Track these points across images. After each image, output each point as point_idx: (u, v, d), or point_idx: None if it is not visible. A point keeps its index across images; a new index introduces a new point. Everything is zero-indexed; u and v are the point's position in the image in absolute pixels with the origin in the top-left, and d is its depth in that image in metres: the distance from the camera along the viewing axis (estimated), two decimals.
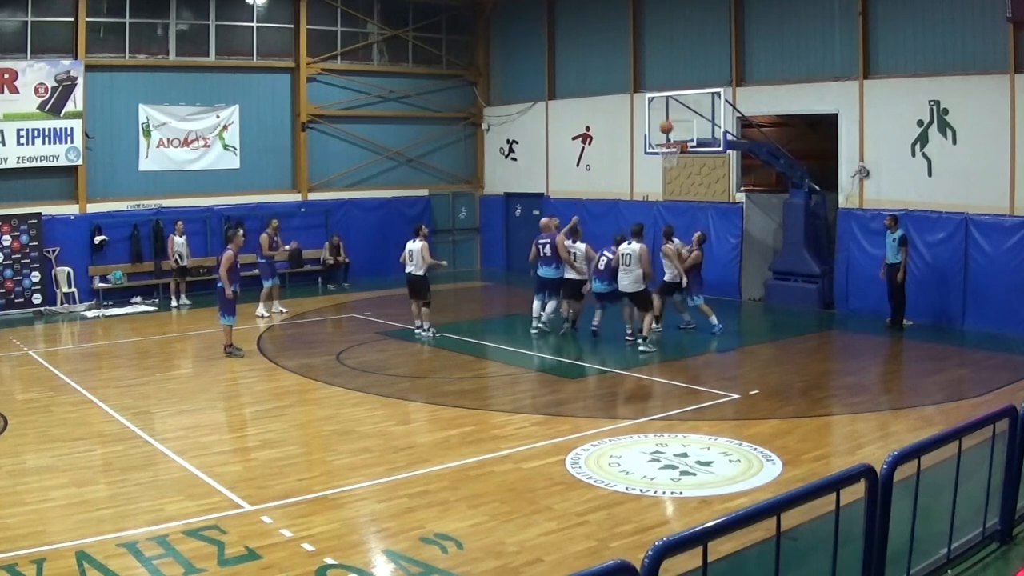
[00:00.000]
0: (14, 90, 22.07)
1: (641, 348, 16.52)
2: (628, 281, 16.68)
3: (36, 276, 22.16)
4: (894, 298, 18.32)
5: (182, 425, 12.37)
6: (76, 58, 22.87)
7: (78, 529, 8.51)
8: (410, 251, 18.43)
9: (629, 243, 16.83)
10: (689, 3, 23.80)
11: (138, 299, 23.23)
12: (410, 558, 7.82)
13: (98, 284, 23.27)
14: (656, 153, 21.15)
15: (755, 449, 10.67)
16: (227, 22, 25.50)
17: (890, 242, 18.24)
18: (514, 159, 28.99)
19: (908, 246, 18.23)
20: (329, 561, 7.77)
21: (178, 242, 22.98)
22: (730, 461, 10.31)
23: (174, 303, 22.82)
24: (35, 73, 22.27)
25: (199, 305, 22.43)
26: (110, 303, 22.88)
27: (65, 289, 22.80)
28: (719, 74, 22.50)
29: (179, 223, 23.29)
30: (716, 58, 22.98)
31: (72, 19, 22.88)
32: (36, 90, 22.29)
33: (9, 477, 10.12)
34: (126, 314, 21.73)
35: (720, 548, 6.73)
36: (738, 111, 21.79)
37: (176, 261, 22.92)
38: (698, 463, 10.23)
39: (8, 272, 21.93)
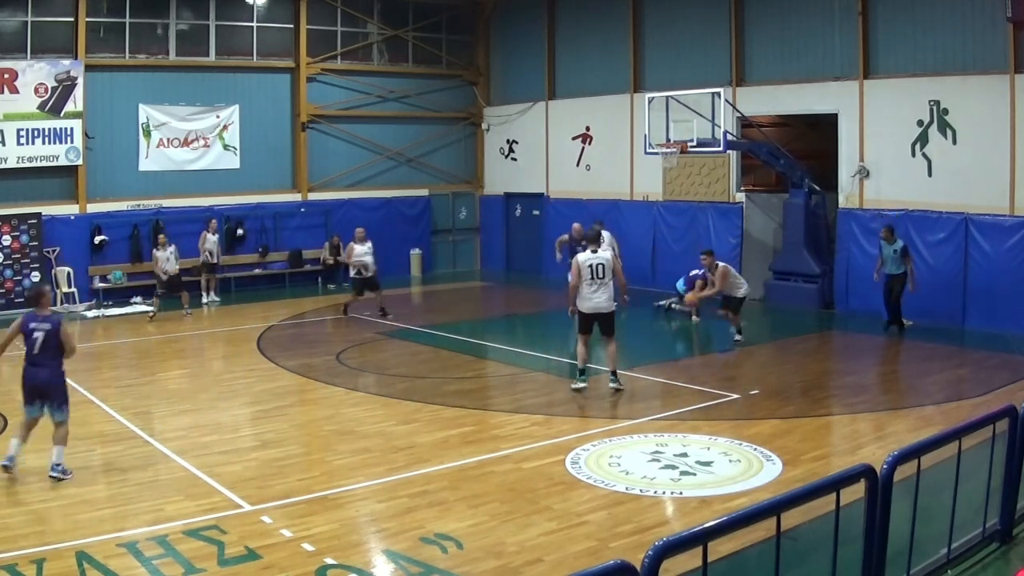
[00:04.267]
0: (14, 90, 22.09)
1: (614, 386, 13.72)
2: (605, 298, 13.56)
3: (36, 276, 22.15)
4: (895, 305, 18.02)
5: (182, 425, 12.39)
6: (76, 58, 22.88)
7: (78, 529, 8.52)
8: None
9: (595, 250, 13.63)
10: (689, 3, 23.80)
11: (138, 299, 23.22)
12: (410, 558, 7.82)
13: (98, 284, 23.28)
14: (656, 153, 21.18)
15: (755, 449, 10.66)
16: (227, 22, 25.51)
17: (891, 254, 17.79)
18: (514, 159, 28.99)
19: (911, 259, 17.94)
20: (329, 561, 7.77)
21: (210, 239, 23.13)
22: (730, 461, 10.31)
23: (204, 299, 23.28)
24: (35, 73, 22.28)
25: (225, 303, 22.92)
26: (110, 303, 22.88)
27: (65, 289, 22.80)
28: (719, 74, 22.50)
29: (212, 221, 23.46)
30: (716, 58, 22.98)
31: (72, 19, 22.89)
32: (36, 90, 22.30)
33: (9, 477, 10.13)
34: (126, 314, 21.74)
35: (720, 548, 6.73)
36: (738, 111, 21.79)
37: (208, 258, 23.17)
38: (698, 463, 10.23)
39: (8, 272, 21.94)
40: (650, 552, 4.40)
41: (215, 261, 23.38)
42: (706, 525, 4.87)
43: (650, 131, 20.89)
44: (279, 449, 11.23)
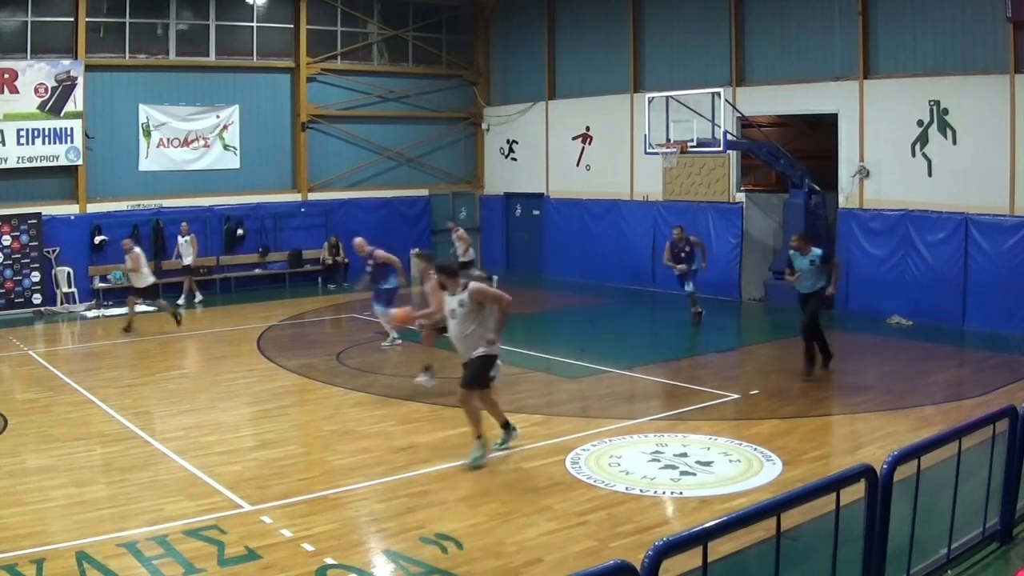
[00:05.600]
0: (14, 90, 22.09)
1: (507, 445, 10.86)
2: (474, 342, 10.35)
3: (36, 276, 22.17)
4: (814, 333, 14.65)
5: (182, 425, 12.38)
6: (76, 58, 22.88)
7: (78, 529, 8.52)
8: None
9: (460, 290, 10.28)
10: (689, 3, 23.79)
11: (138, 300, 23.22)
12: (410, 558, 7.82)
13: (98, 284, 23.28)
14: (656, 153, 21.18)
15: (755, 449, 10.66)
16: (227, 22, 25.51)
17: (806, 266, 14.49)
18: (514, 159, 28.99)
19: (837, 266, 15.20)
20: (329, 561, 7.76)
21: (180, 242, 23.18)
22: (730, 461, 10.31)
23: (179, 302, 23.10)
24: (35, 73, 22.28)
25: (207, 304, 22.89)
26: (110, 303, 22.88)
27: (65, 289, 22.80)
28: (719, 74, 22.50)
29: (183, 223, 23.41)
30: (716, 58, 22.97)
31: (72, 19, 22.90)
32: (36, 90, 22.30)
33: (9, 477, 10.12)
34: (126, 314, 21.73)
35: (720, 548, 6.73)
36: (738, 111, 21.78)
37: (179, 260, 23.20)
38: (698, 463, 10.23)
39: (8, 272, 21.94)
40: (650, 552, 4.40)
41: (187, 263, 23.32)
42: (706, 525, 4.87)
43: (650, 131, 20.90)
44: (279, 449, 11.23)
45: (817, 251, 14.57)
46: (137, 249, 19.51)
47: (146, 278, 19.45)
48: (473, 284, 10.16)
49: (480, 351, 10.21)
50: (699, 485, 9.54)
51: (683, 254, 18.87)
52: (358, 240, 17.38)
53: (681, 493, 9.32)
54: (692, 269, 18.95)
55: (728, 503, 8.99)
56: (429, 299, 13.35)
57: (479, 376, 10.28)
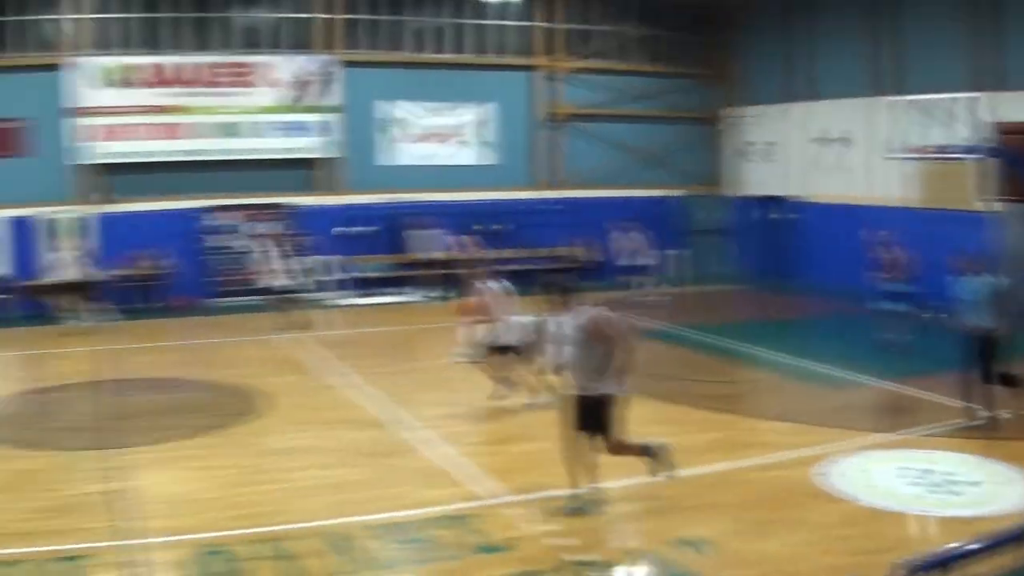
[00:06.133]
0: (271, 84, 24.10)
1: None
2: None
3: (290, 264, 23.17)
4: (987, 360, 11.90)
5: (437, 414, 12.80)
6: (331, 54, 24.56)
7: (331, 508, 9.08)
8: None
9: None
10: (950, 5, 22.63)
11: (393, 289, 24.04)
12: (658, 560, 7.93)
13: (353, 274, 24.31)
14: (903, 158, 20.38)
15: (1021, 471, 10.15)
16: (480, 20, 26.60)
17: (976, 295, 11.83)
18: (769, 161, 28.41)
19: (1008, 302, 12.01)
20: (577, 558, 7.93)
21: (414, 236, 24.23)
22: (992, 483, 9.86)
23: (425, 295, 23.99)
24: (291, 67, 24.20)
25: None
26: (365, 292, 23.90)
27: (321, 278, 23.84)
28: (976, 78, 21.20)
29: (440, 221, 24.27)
30: (973, 62, 21.66)
31: (328, 15, 24.68)
32: (291, 84, 24.19)
33: (264, 456, 10.92)
34: (380, 304, 22.56)
35: (973, 571, 6.53)
36: (996, 117, 20.50)
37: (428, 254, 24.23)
38: (959, 482, 9.82)
39: (264, 259, 23.21)
40: (900, 571, 4.38)
41: (429, 258, 24.24)
42: (960, 547, 4.77)
43: (901, 135, 20.11)
44: (534, 443, 11.36)
45: (994, 279, 11.95)
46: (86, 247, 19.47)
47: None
48: (595, 312, 9.17)
49: (605, 389, 9.09)
50: (957, 505, 9.19)
51: (883, 261, 17.49)
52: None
53: (938, 512, 9.00)
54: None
55: (985, 525, 8.60)
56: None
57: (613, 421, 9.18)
